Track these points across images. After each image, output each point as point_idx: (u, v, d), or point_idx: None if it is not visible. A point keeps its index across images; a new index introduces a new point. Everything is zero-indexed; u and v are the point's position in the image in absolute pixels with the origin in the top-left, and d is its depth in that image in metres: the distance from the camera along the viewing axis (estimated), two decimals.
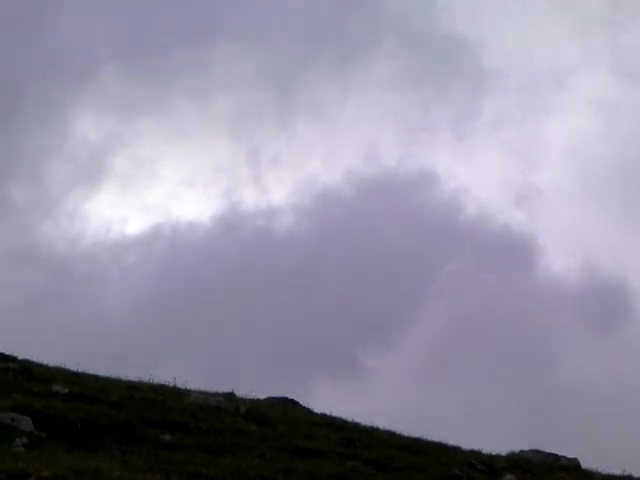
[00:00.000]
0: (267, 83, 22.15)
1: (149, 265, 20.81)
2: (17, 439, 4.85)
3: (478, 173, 25.20)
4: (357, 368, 17.83)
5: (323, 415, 7.37)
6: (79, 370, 6.67)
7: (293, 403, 7.74)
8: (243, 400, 6.98)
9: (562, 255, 23.40)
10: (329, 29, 22.37)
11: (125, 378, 6.69)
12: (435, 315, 19.23)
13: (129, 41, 21.97)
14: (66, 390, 6.04)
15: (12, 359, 6.46)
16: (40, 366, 6.56)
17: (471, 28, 24.84)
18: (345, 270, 19.78)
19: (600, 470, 7.21)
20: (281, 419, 6.76)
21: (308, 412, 7.52)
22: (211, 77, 22.90)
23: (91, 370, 6.60)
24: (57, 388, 6.05)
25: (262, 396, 7.29)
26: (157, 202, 24.11)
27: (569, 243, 24.88)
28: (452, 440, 6.92)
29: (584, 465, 7.28)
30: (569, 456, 7.56)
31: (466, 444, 7.02)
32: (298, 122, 22.56)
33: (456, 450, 6.93)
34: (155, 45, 22.12)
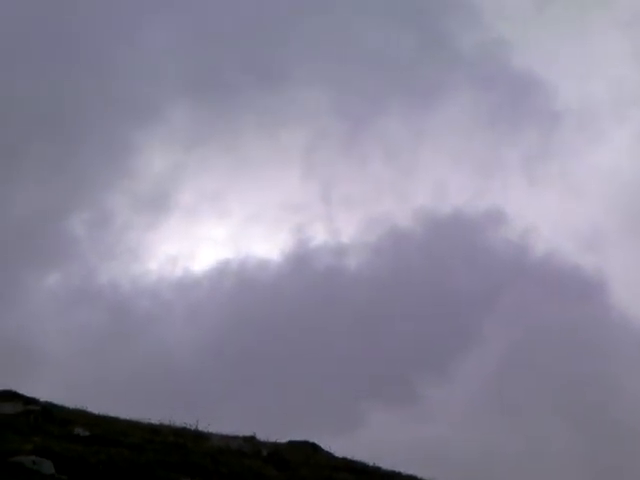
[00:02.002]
0: (339, 120, 22.33)
1: (215, 303, 21.02)
2: None
3: (548, 213, 24.84)
4: (413, 398, 17.96)
5: (344, 459, 7.31)
6: (100, 412, 6.75)
7: (314, 447, 7.67)
8: (264, 443, 6.97)
9: (633, 297, 22.72)
10: (403, 69, 22.53)
11: (146, 421, 6.74)
12: (500, 351, 19.09)
13: (197, 78, 22.35)
14: (87, 433, 6.09)
15: (34, 401, 6.57)
16: (61, 408, 6.64)
17: (544, 68, 24.56)
18: (412, 306, 19.81)
19: None
20: (302, 463, 6.73)
21: (329, 456, 7.46)
22: (282, 112, 23.11)
23: (112, 412, 6.68)
24: (78, 431, 6.11)
25: (284, 439, 7.26)
26: (224, 237, 24.25)
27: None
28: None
29: None
30: None
31: None
32: (370, 159, 22.70)
33: None
34: (224, 82, 22.44)
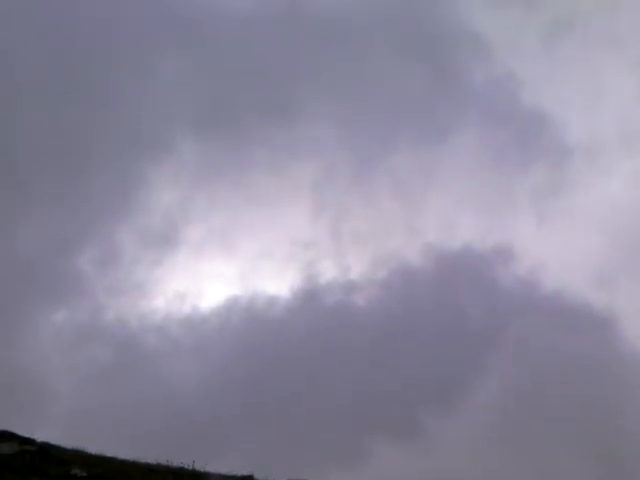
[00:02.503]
0: (349, 156, 22.39)
1: (222, 340, 20.90)
2: None
3: (557, 249, 24.68)
4: (418, 432, 17.90)
5: None
6: (98, 452, 6.65)
7: None
8: None
9: None
10: (413, 105, 22.58)
11: (144, 460, 6.64)
12: (507, 384, 19.05)
13: (207, 114, 22.40)
14: (84, 473, 6.03)
15: (30, 441, 6.49)
16: (59, 448, 6.57)
17: (554, 104, 24.64)
18: (420, 341, 19.75)
19: None
20: None
21: None
22: (292, 148, 23.15)
23: (111, 451, 6.58)
24: (75, 471, 6.05)
25: (282, 478, 7.13)
26: (233, 274, 24.15)
27: None
28: None
29: None
30: None
31: None
32: (379, 196, 22.69)
33: None
34: (234, 118, 22.49)
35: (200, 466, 6.66)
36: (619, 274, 24.48)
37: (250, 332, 21.23)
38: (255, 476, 6.88)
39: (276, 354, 20.14)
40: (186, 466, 6.75)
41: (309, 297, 22.10)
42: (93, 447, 6.60)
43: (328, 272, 23.27)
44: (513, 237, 24.13)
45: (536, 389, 19.90)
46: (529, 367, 20.65)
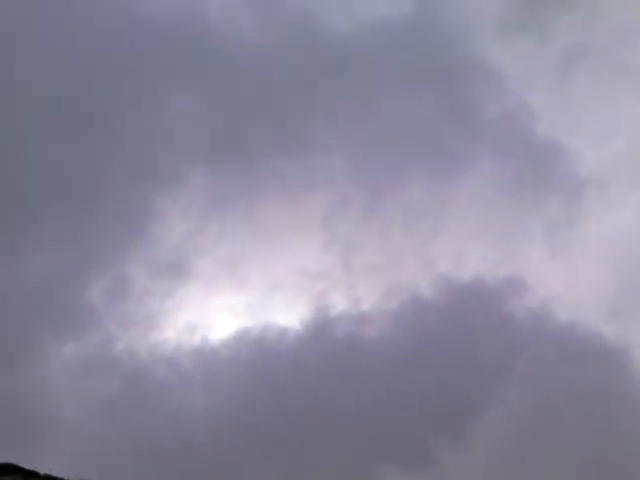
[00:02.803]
0: (360, 187, 22.29)
1: (233, 373, 20.82)
2: None
3: (570, 282, 24.51)
4: (430, 462, 17.85)
5: None
6: None
7: None
8: None
9: None
10: (426, 136, 22.51)
11: None
12: (519, 415, 18.98)
13: (218, 145, 22.38)
14: None
15: (34, 474, 6.34)
16: None
17: (567, 135, 24.51)
18: (432, 373, 19.66)
19: None
20: None
21: None
22: (303, 179, 23.10)
23: None
24: None
25: None
26: (243, 306, 24.05)
27: None
28: None
29: None
30: None
31: None
32: (391, 227, 22.57)
33: None
34: (245, 149, 22.48)
35: None
36: (632, 305, 24.36)
37: (261, 364, 21.14)
38: None
39: (287, 385, 20.05)
40: None
41: (320, 328, 22.01)
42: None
43: (339, 303, 23.17)
44: (526, 268, 23.96)
45: (548, 420, 19.86)
46: (541, 398, 20.59)
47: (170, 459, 14.82)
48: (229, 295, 25.21)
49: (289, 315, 25.23)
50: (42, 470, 6.46)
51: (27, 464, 6.65)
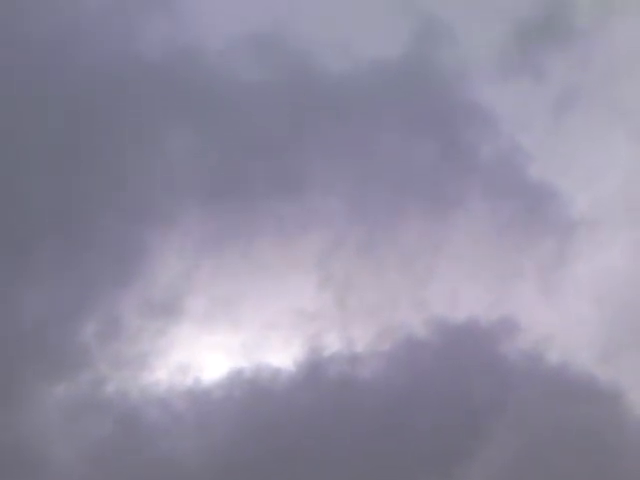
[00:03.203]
0: (355, 227, 22.23)
1: (226, 413, 20.73)
2: None
3: (563, 323, 24.66)
4: None
5: None
6: None
7: None
8: None
9: None
10: (420, 177, 22.71)
11: None
12: (512, 455, 19.15)
13: (213, 184, 22.33)
14: None
15: None
16: None
17: (561, 176, 24.82)
18: (425, 413, 19.77)
19: None
20: None
21: None
22: (298, 220, 23.11)
23: None
24: None
25: None
26: (237, 345, 23.97)
27: None
28: None
29: None
30: None
31: None
32: (385, 267, 22.62)
33: None
34: (240, 188, 22.53)
35: None
36: (624, 347, 24.54)
37: (254, 404, 20.88)
38: None
39: (280, 426, 19.79)
40: None
41: (313, 369, 21.85)
42: None
43: (333, 344, 23.12)
44: (518, 309, 23.94)
45: (541, 459, 19.85)
46: (533, 436, 20.71)
47: None
48: (223, 335, 25.00)
49: (283, 355, 25.11)
50: None
51: None
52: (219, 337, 22.81)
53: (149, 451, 18.87)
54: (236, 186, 21.50)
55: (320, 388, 20.36)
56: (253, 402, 20.26)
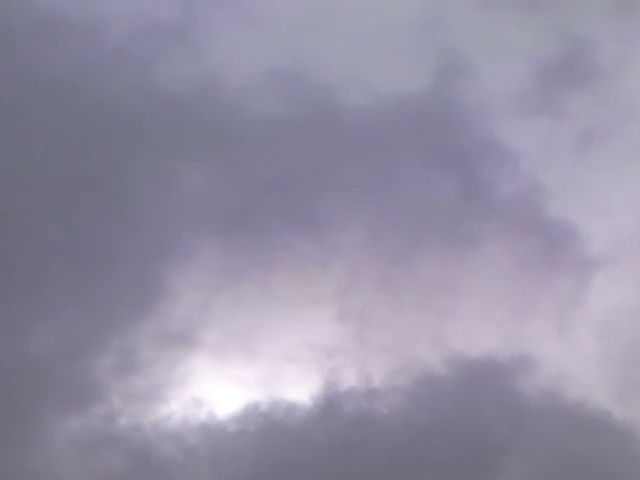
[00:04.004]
0: (374, 263, 22.18)
1: (241, 448, 20.58)
2: None
3: (580, 360, 24.65)
4: None
5: None
6: None
7: None
8: None
9: None
10: (439, 213, 22.71)
11: None
12: None
13: (231, 218, 22.33)
14: None
15: None
16: None
17: (580, 214, 24.82)
18: (442, 449, 19.70)
19: None
20: None
21: None
22: (316, 254, 23.11)
23: None
24: None
25: None
26: (253, 379, 23.84)
27: None
28: None
29: None
30: None
31: None
32: (403, 303, 22.55)
33: None
34: (257, 223, 22.51)
35: None
36: None
37: (269, 439, 20.71)
38: None
39: (296, 461, 19.82)
40: None
41: (330, 404, 21.87)
42: None
43: (350, 379, 23.08)
44: (536, 346, 23.87)
45: None
46: (548, 474, 20.54)
47: None
48: (238, 368, 24.85)
49: (299, 389, 25.03)
50: None
51: None
52: (234, 371, 22.69)
53: None
54: (253, 220, 21.49)
55: (336, 423, 20.25)
56: (268, 437, 20.13)
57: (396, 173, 22.26)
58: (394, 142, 22.09)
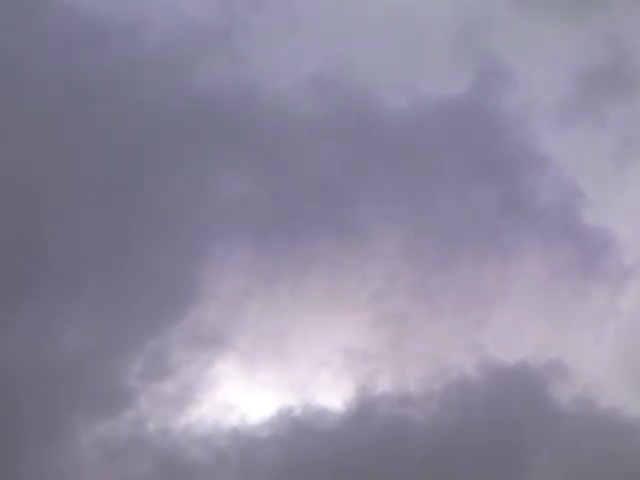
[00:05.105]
0: (410, 270, 22.15)
1: (273, 453, 20.50)
2: None
3: (614, 370, 24.67)
4: None
5: None
6: None
7: None
8: None
9: None
10: (477, 225, 22.66)
11: None
12: None
13: (266, 222, 22.34)
14: None
15: None
16: None
17: (619, 223, 24.83)
18: (476, 454, 19.74)
19: None
20: None
21: None
22: (352, 259, 23.09)
23: None
24: None
25: None
26: (285, 383, 23.80)
27: None
28: None
29: None
30: None
31: None
32: (438, 309, 22.55)
33: None
34: (292, 227, 22.46)
35: None
36: None
37: (300, 445, 20.61)
38: None
39: (327, 468, 19.56)
40: None
41: (363, 409, 21.62)
42: None
43: (384, 384, 23.00)
44: (570, 354, 23.95)
45: None
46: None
47: None
48: (270, 373, 24.80)
49: (332, 394, 24.98)
50: None
51: None
52: (267, 375, 22.62)
53: None
54: (289, 225, 21.44)
55: (369, 428, 20.21)
56: (300, 442, 20.04)
57: (435, 180, 22.20)
58: (433, 148, 21.98)
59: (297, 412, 20.64)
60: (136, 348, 20.59)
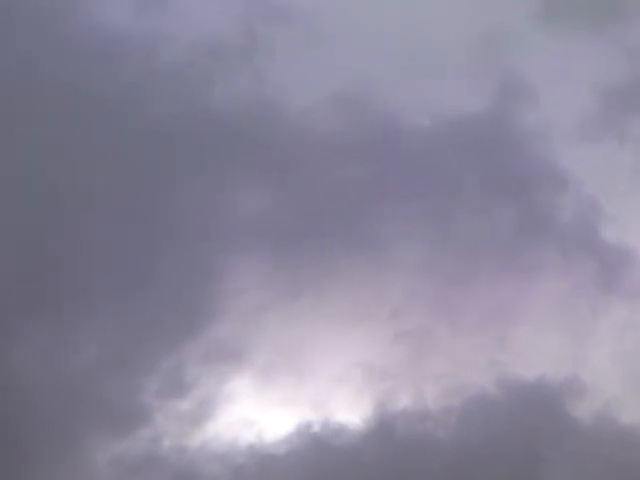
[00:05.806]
0: (430, 286, 22.14)
1: (290, 471, 20.42)
2: None
3: (635, 387, 24.69)
4: None
5: None
6: None
7: None
8: None
9: None
10: (496, 241, 22.65)
11: None
12: None
13: (283, 238, 22.35)
14: None
15: None
16: None
17: (634, 239, 24.86)
18: (496, 472, 19.74)
19: None
20: None
21: None
22: (372, 274, 23.07)
23: None
24: None
25: None
26: (303, 399, 23.71)
27: None
28: None
29: None
30: None
31: None
32: (458, 325, 22.57)
33: None
34: (311, 242, 22.45)
35: None
36: None
37: (319, 462, 20.59)
38: None
39: None
40: None
41: (382, 426, 21.59)
42: None
43: (403, 400, 22.91)
44: (589, 370, 23.95)
45: None
46: None
47: None
48: (288, 388, 24.70)
49: (351, 411, 24.89)
50: None
51: None
52: (284, 391, 22.53)
53: None
54: (307, 242, 21.39)
55: (388, 445, 20.13)
56: (318, 459, 19.95)
57: (455, 196, 22.19)
58: (453, 165, 21.96)
59: (315, 428, 20.58)
60: (152, 364, 20.48)
